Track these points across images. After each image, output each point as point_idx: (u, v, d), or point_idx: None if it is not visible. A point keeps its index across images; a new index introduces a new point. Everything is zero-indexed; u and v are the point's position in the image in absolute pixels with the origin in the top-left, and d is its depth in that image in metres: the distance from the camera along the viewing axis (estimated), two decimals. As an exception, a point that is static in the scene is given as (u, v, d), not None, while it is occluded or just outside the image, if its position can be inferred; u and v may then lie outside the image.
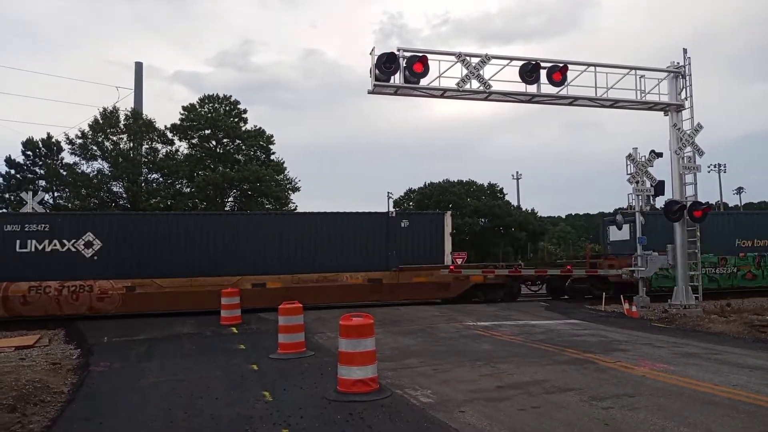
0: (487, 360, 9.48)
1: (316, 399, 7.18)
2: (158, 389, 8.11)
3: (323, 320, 14.85)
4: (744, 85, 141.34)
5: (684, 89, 17.72)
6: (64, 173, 39.68)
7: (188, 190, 41.68)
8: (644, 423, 5.95)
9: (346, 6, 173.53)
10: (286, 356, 9.98)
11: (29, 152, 41.52)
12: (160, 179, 41.72)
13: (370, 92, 15.88)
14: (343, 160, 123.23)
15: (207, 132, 43.25)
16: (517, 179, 67.76)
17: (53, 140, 41.54)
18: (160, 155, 41.98)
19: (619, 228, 18.87)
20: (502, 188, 61.83)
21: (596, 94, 17.17)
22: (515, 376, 8.29)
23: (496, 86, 16.37)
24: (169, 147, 42.67)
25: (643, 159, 17.84)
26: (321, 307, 18.12)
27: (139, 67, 48.80)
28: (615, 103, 17.81)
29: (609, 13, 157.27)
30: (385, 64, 15.23)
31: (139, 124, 40.62)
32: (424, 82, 15.86)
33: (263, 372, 8.97)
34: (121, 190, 40.20)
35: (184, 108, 43.59)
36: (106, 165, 40.01)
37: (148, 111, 64.91)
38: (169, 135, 42.51)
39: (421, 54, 15.60)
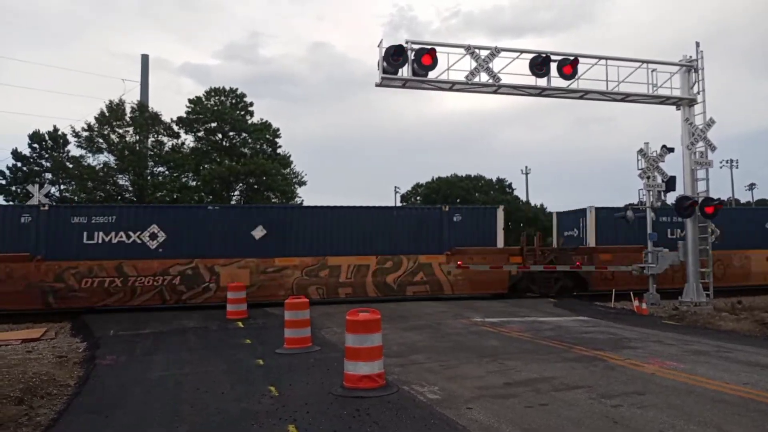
0: (495, 356, 9.41)
1: (323, 394, 7.13)
2: (164, 383, 8.10)
3: (329, 315, 14.80)
4: (758, 80, 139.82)
5: (696, 83, 17.49)
6: (71, 166, 39.83)
7: (194, 183, 41.76)
8: (653, 421, 5.88)
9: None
10: (292, 351, 9.93)
11: (35, 145, 41.70)
12: (166, 172, 41.81)
13: (377, 85, 15.78)
14: (351, 154, 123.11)
15: (213, 125, 43.27)
16: (526, 174, 67.56)
17: (59, 133, 41.74)
18: (166, 148, 42.08)
19: (629, 223, 18.69)
20: (510, 183, 61.76)
21: (607, 87, 16.98)
22: (523, 372, 8.21)
23: (505, 79, 16.21)
24: (175, 140, 42.77)
25: (654, 154, 17.66)
26: (326, 302, 18.10)
27: (145, 59, 48.92)
28: (626, 97, 17.62)
29: (622, 6, 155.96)
30: (393, 56, 15.10)
31: (145, 117, 40.68)
32: (432, 75, 15.73)
33: (269, 367, 8.94)
34: (127, 183, 40.34)
35: (190, 101, 43.63)
36: (112, 158, 40.17)
37: (156, 104, 65.21)
38: (175, 128, 42.57)
39: (429, 47, 15.46)
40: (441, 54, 15.56)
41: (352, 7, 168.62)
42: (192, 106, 43.33)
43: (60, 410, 6.84)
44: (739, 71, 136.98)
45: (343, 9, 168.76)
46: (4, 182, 41.25)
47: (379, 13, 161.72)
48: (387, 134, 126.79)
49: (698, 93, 17.47)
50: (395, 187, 66.52)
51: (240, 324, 14.04)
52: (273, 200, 41.61)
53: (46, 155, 41.76)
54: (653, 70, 17.34)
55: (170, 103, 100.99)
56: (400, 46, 15.22)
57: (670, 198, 17.97)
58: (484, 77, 15.97)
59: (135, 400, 7.19)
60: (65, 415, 6.63)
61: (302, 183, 46.56)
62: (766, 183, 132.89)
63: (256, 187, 42.01)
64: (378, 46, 15.28)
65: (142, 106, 42.07)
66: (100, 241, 17.23)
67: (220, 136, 44.00)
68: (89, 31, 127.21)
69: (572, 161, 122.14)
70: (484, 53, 15.91)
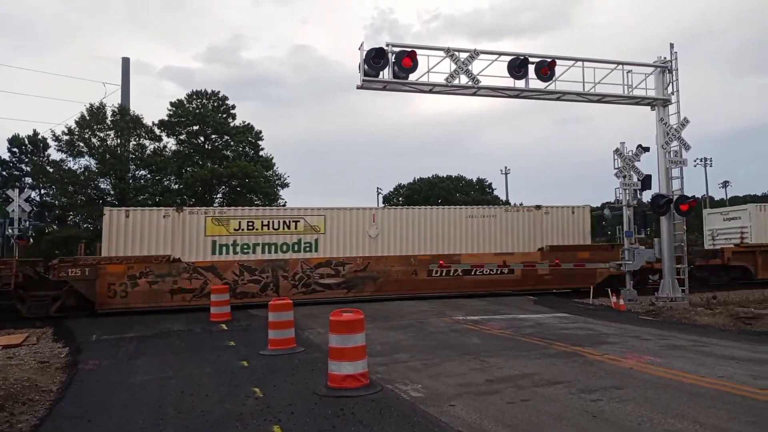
0: (477, 354, 9.54)
1: (307, 395, 7.18)
2: (148, 387, 8.08)
3: (313, 316, 14.83)
4: (733, 80, 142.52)
5: (671, 84, 17.82)
6: (51, 170, 39.29)
7: (176, 186, 41.44)
8: (632, 414, 6.03)
9: (337, 1, 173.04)
10: (277, 352, 9.97)
11: (15, 149, 41.13)
12: (148, 176, 41.43)
13: (359, 87, 15.84)
14: (333, 156, 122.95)
15: (195, 128, 42.97)
16: (506, 174, 68.24)
17: (39, 137, 41.21)
18: (148, 151, 41.68)
19: (606, 221, 19.05)
20: (490, 183, 62.42)
21: (584, 89, 17.23)
22: (504, 369, 8.34)
23: (484, 81, 16.38)
24: (157, 143, 42.38)
25: (630, 153, 17.99)
26: (309, 303, 18.10)
27: (125, 62, 48.47)
28: (602, 98, 17.89)
29: (602, 9, 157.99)
30: (374, 59, 15.18)
31: (126, 120, 40.27)
32: (412, 77, 15.84)
33: (253, 368, 8.96)
34: (108, 186, 39.90)
35: (171, 104, 43.31)
36: (93, 161, 39.69)
37: (137, 107, 64.49)
38: (157, 131, 42.21)
39: (409, 49, 15.58)
40: (421, 57, 15.68)
41: (334, 11, 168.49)
42: (174, 109, 42.99)
43: (42, 416, 6.79)
44: (714, 72, 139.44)
45: (326, 12, 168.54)
46: (-17, 186, 40.61)
47: (362, 16, 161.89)
48: (370, 136, 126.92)
49: (672, 93, 17.79)
50: (377, 188, 66.64)
51: (224, 326, 14.01)
52: (256, 203, 41.40)
53: (26, 159, 41.18)
54: (629, 72, 17.63)
55: (152, 106, 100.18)
56: (381, 48, 15.31)
57: (646, 196, 18.34)
58: (463, 79, 16.12)
59: (119, 405, 7.17)
60: (47, 421, 6.58)
61: (285, 185, 46.48)
62: (739, 181, 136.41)
63: (238, 189, 41.82)
64: (359, 48, 15.36)
65: (123, 109, 41.64)
66: None
67: (202, 139, 43.71)
68: (71, 34, 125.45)
69: (553, 162, 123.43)
70: (463, 56, 16.06)
